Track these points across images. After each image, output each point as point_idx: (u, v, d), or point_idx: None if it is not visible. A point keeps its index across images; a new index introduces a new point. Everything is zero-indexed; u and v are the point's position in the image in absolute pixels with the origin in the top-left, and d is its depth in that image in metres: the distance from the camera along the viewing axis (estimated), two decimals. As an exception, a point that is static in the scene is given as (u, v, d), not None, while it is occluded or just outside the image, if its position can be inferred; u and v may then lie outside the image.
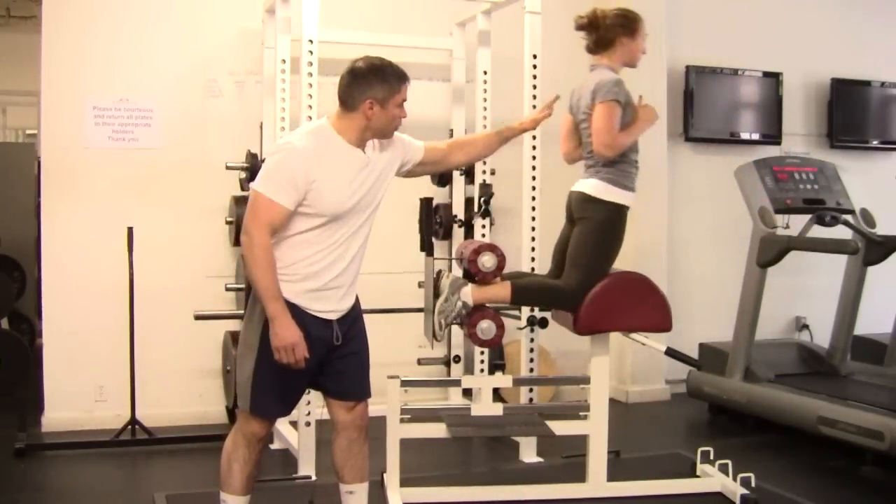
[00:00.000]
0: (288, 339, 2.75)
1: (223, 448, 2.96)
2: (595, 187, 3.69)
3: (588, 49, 3.85)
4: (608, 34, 3.75)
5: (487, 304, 3.67)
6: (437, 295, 3.68)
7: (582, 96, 3.79)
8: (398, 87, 2.88)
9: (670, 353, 3.84)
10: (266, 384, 2.85)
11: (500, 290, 3.65)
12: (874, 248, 5.00)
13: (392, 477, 3.65)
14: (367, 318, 3.10)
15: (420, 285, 4.37)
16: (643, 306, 3.72)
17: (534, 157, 4.34)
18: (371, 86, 2.84)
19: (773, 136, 6.30)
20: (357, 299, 3.02)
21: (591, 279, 3.66)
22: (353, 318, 3.00)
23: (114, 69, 5.03)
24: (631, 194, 3.72)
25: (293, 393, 2.98)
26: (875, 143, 6.71)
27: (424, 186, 5.34)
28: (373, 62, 2.90)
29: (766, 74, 6.27)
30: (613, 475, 3.82)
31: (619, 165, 3.69)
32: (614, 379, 5.66)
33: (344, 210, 2.84)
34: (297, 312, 2.82)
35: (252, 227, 2.76)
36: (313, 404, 4.00)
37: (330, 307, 2.90)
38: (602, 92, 3.64)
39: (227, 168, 4.82)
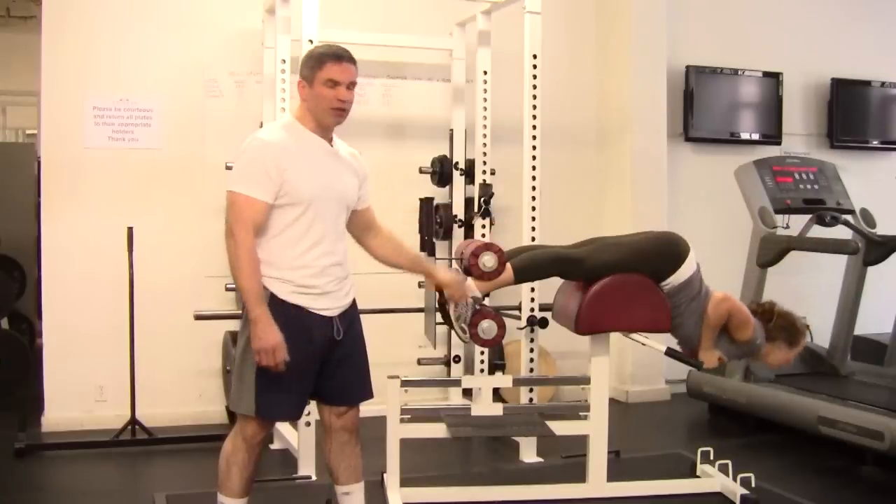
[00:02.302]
0: (269, 342, 2.73)
1: (222, 450, 2.94)
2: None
3: None
4: (773, 332, 3.86)
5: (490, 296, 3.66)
6: (441, 300, 3.66)
7: None
8: (320, 65, 2.83)
9: (670, 353, 3.84)
10: (271, 387, 2.83)
11: (503, 274, 3.64)
12: (874, 248, 5.00)
13: (392, 477, 3.64)
14: (368, 318, 3.09)
15: (420, 285, 4.37)
16: (643, 306, 3.72)
17: (534, 157, 4.33)
18: (300, 67, 2.89)
19: (773, 136, 6.30)
20: (354, 302, 3.01)
21: (619, 265, 3.68)
22: (351, 319, 2.98)
23: (114, 69, 5.04)
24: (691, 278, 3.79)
25: (300, 394, 2.95)
26: (875, 143, 6.71)
27: (424, 186, 5.35)
28: (315, 46, 2.97)
29: (766, 74, 6.27)
30: (613, 475, 3.82)
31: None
32: (614, 379, 5.66)
33: (320, 193, 2.83)
34: (298, 314, 2.82)
35: (236, 228, 2.74)
36: (312, 404, 3.98)
37: (329, 304, 2.88)
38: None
39: (227, 168, 4.80)
